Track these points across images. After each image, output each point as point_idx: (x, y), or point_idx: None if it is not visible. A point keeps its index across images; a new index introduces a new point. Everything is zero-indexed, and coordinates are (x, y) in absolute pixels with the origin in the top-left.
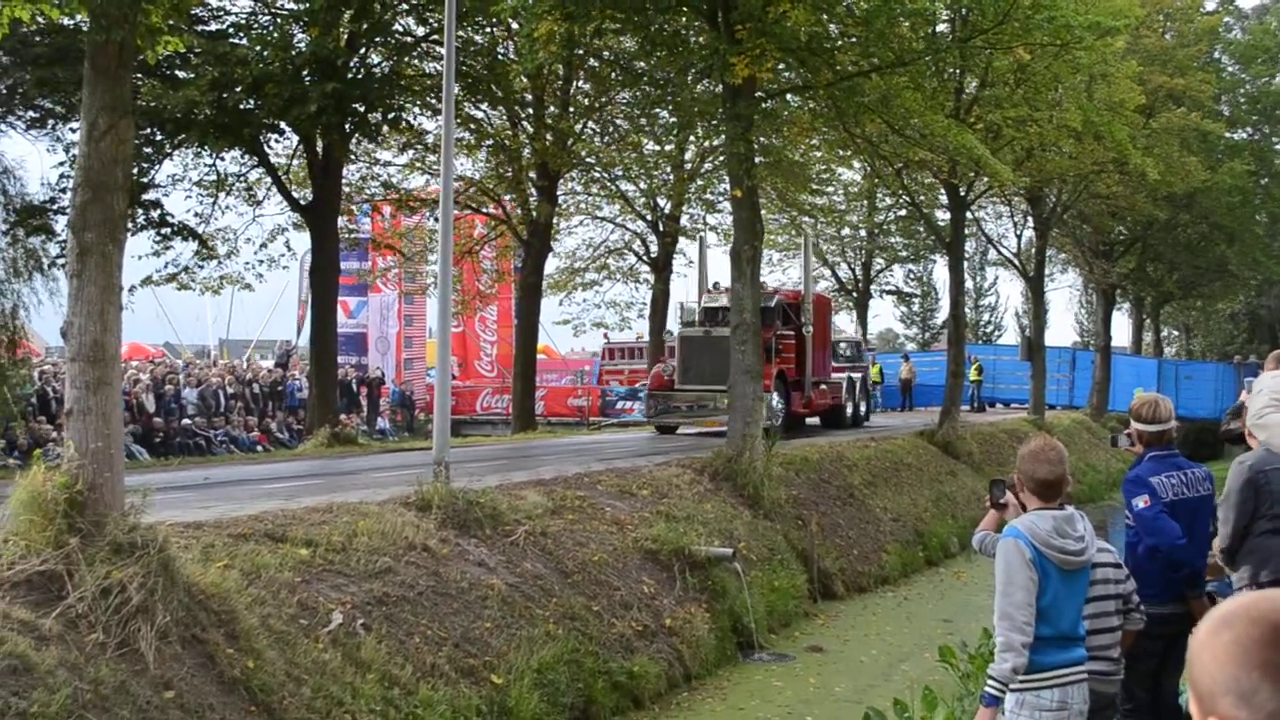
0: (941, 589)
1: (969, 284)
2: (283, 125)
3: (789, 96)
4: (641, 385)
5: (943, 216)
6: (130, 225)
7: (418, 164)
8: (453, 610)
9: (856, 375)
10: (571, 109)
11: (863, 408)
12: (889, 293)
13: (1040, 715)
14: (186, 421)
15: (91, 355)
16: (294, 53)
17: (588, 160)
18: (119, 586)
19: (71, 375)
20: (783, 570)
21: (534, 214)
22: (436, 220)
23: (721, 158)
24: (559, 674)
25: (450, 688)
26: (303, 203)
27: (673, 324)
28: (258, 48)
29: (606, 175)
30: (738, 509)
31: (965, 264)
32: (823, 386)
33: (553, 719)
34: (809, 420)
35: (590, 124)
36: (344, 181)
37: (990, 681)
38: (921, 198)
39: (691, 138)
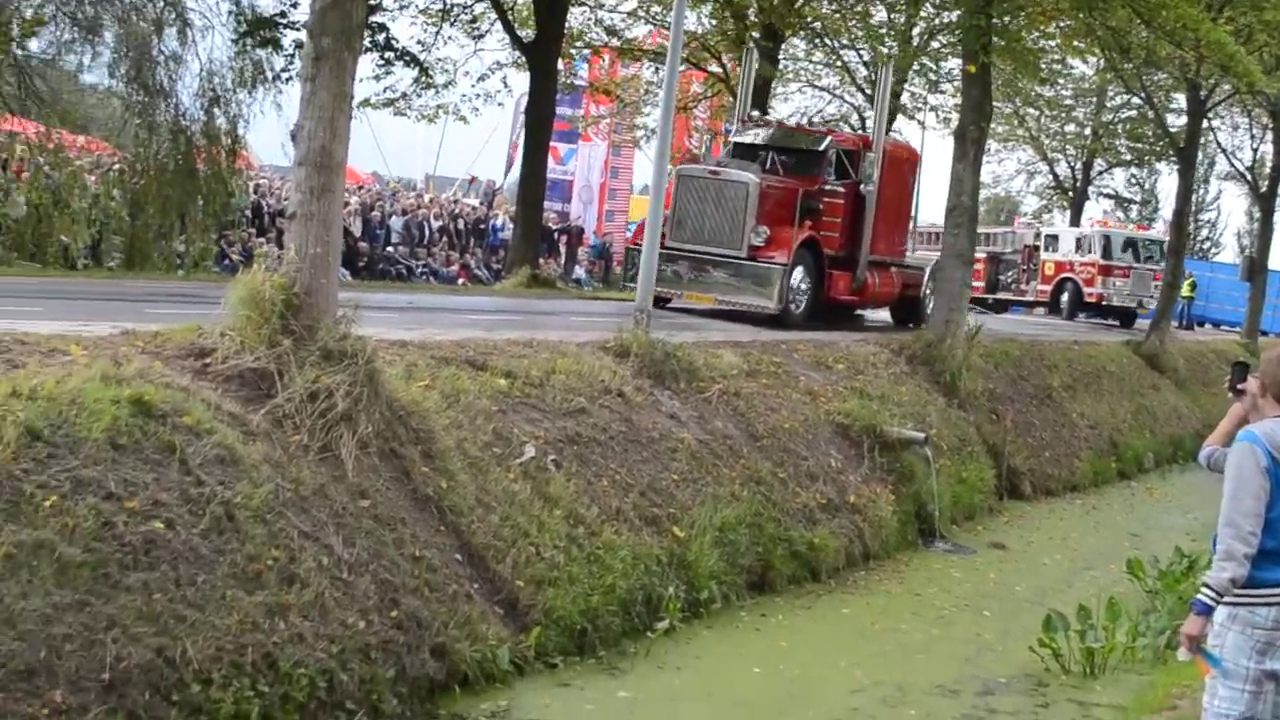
0: (1132, 502)
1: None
2: None
3: None
4: None
5: (1174, 122)
6: None
7: (641, 12)
8: (641, 458)
9: None
10: None
11: None
12: (1107, 196)
13: (1251, 632)
14: (390, 249)
15: (319, 161)
16: None
17: (813, 25)
18: (326, 392)
19: (297, 179)
20: (972, 463)
21: (755, 74)
22: (656, 72)
23: (953, 34)
24: (740, 535)
25: (633, 534)
26: (525, 40)
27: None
28: None
29: (832, 42)
30: (932, 395)
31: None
32: (891, 269)
33: (730, 579)
34: (869, 311)
35: None
36: (567, 25)
37: (1205, 590)
38: (1156, 99)
39: (924, 10)
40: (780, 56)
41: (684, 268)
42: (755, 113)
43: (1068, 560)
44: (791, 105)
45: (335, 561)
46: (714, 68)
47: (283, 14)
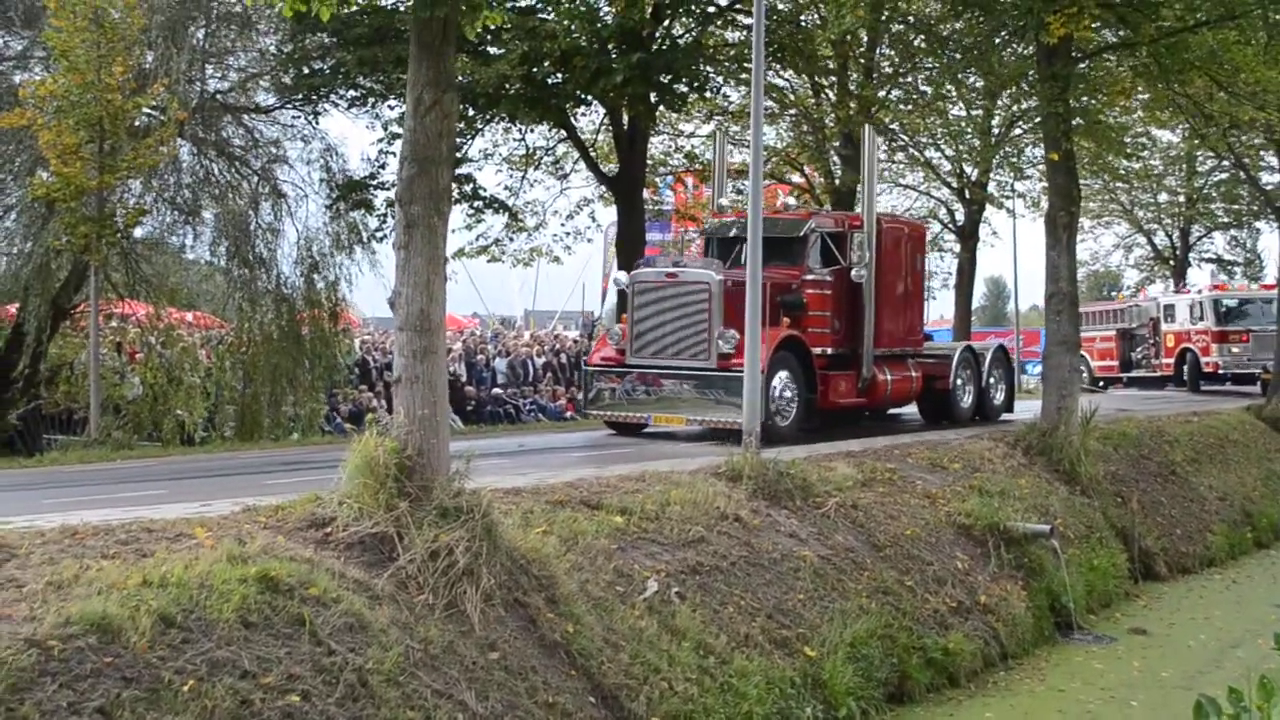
0: (1274, 572)
1: None
2: (589, 98)
3: (1107, 55)
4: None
5: (1269, 180)
6: None
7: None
8: (765, 581)
9: (986, 348)
10: (875, 76)
11: (997, 394)
12: (1208, 261)
13: None
14: (497, 390)
15: (418, 325)
16: (600, 26)
17: (891, 127)
18: (446, 549)
19: (399, 344)
20: (1102, 549)
21: (837, 182)
22: (738, 192)
23: (1032, 122)
24: (872, 648)
25: (764, 658)
26: (609, 175)
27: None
28: (565, 21)
29: (911, 142)
30: (1053, 484)
31: None
32: (908, 362)
33: (867, 693)
34: (901, 410)
35: (894, 91)
36: (648, 155)
37: None
38: (1246, 160)
39: (1000, 102)
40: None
41: (646, 387)
42: (724, 201)
43: (1213, 640)
44: (880, 207)
45: (471, 717)
46: (796, 179)
47: (372, 175)
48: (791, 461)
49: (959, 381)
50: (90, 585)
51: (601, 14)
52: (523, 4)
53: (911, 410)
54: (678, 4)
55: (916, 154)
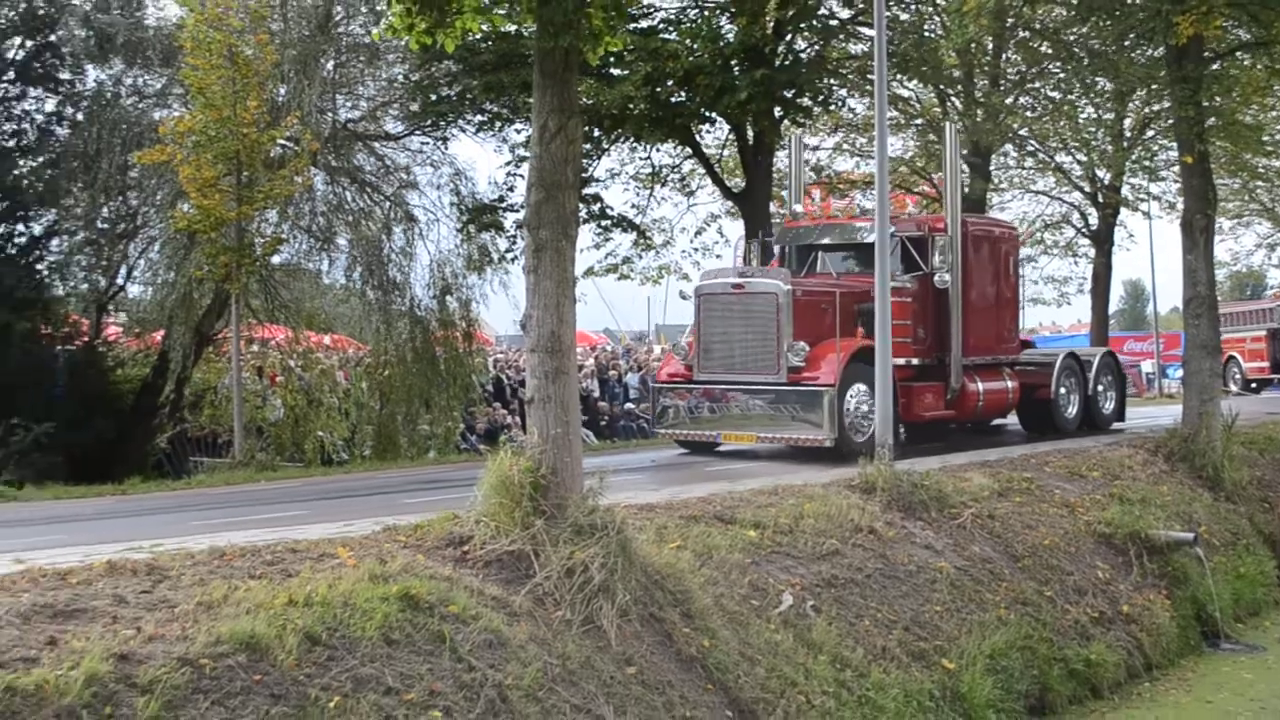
0: None
1: None
2: (714, 115)
3: (1240, 54)
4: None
5: None
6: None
7: (845, 146)
8: (901, 593)
9: (1092, 355)
10: (1002, 83)
11: (1107, 403)
12: None
13: None
14: (629, 405)
15: (549, 346)
16: (722, 43)
17: (1020, 134)
18: (581, 566)
19: (531, 365)
20: (1248, 556)
21: (966, 190)
22: (869, 202)
23: (1165, 124)
24: (1012, 660)
25: (902, 671)
26: (735, 190)
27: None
28: (687, 41)
29: (1041, 148)
30: (1196, 491)
31: None
32: (1004, 371)
33: (1007, 706)
34: (1003, 421)
35: (1022, 97)
36: (774, 168)
37: None
38: None
39: (1131, 104)
40: (992, 167)
41: (715, 403)
42: (798, 208)
43: None
44: (1009, 214)
45: None
46: (925, 188)
47: (501, 199)
48: (925, 473)
49: (1062, 390)
50: (239, 605)
51: (723, 32)
52: (644, 26)
53: (1013, 421)
54: (799, 19)
55: (1046, 159)
